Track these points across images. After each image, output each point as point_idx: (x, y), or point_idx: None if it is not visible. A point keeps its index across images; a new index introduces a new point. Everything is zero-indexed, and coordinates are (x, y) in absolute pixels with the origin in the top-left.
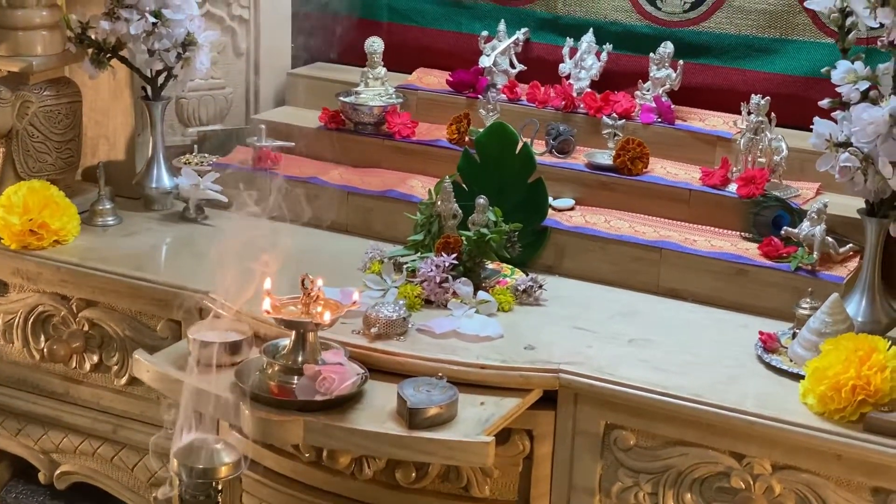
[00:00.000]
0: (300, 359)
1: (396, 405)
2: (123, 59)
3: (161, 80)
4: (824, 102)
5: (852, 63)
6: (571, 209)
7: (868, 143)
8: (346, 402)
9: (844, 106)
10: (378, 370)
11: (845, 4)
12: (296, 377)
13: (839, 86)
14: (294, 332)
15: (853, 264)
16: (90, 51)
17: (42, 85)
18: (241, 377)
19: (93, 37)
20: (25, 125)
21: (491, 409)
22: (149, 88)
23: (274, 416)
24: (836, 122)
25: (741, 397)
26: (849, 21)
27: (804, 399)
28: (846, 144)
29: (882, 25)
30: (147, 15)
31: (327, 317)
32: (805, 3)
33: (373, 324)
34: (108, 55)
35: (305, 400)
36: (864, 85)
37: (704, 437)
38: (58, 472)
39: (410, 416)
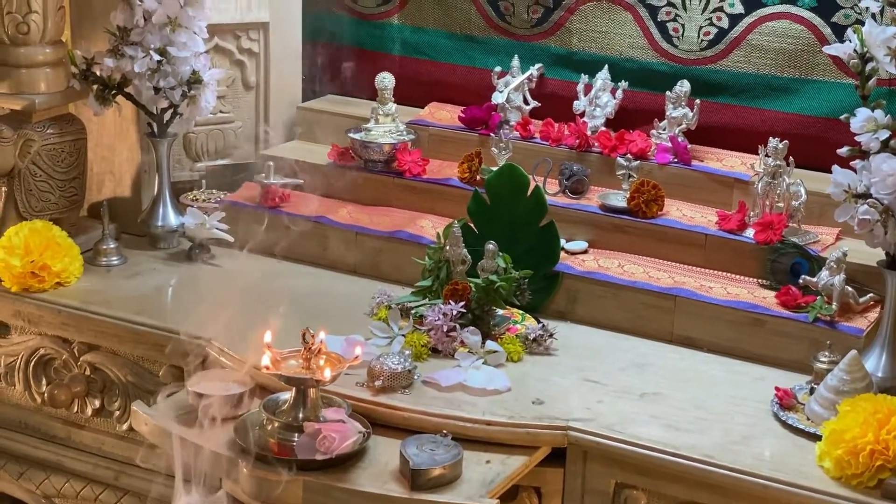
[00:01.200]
0: (301, 415)
1: (399, 464)
2: (129, 96)
3: (167, 117)
4: (843, 151)
5: (872, 111)
6: (584, 252)
7: (888, 194)
8: (348, 460)
9: (864, 155)
10: (382, 425)
11: (865, 50)
12: (296, 435)
13: (858, 134)
14: (294, 388)
15: (874, 315)
16: (95, 87)
17: (45, 123)
18: (239, 433)
19: (98, 73)
20: (28, 164)
21: (497, 468)
22: (155, 125)
23: (272, 476)
24: (855, 171)
25: (755, 458)
26: (869, 67)
27: (820, 462)
28: (866, 196)
29: None
30: (152, 52)
31: (328, 374)
32: (824, 49)
33: (377, 376)
34: (113, 92)
35: (305, 459)
36: (885, 134)
37: (717, 499)
38: None
39: (413, 478)
